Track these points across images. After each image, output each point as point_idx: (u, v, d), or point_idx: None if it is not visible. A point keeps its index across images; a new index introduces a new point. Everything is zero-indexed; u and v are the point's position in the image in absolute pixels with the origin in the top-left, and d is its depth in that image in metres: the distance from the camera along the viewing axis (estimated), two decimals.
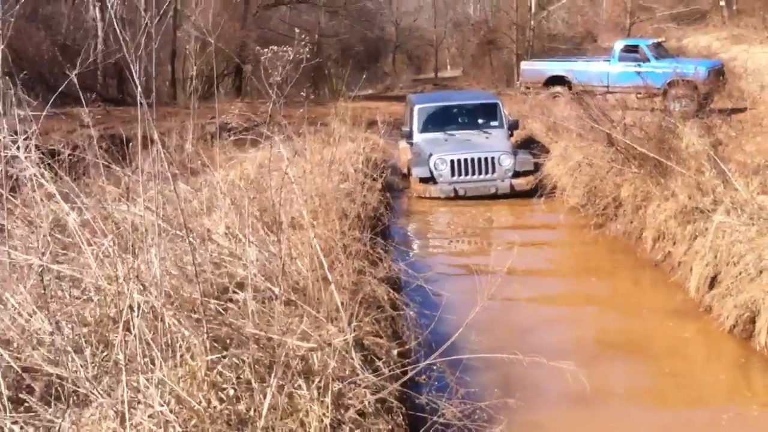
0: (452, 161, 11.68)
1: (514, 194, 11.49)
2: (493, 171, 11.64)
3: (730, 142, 9.32)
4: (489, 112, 13.15)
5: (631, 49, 18.81)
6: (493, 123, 12.93)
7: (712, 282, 6.90)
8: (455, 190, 11.56)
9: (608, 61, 19.12)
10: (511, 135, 13.02)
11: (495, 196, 11.51)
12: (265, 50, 5.97)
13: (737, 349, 6.14)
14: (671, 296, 7.25)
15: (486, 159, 11.66)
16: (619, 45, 19.38)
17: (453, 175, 11.66)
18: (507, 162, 11.65)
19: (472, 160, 11.66)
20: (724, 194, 7.68)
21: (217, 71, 23.73)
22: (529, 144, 13.44)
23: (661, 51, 19.19)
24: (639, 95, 13.44)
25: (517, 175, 11.63)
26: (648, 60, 18.07)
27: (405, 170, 12.92)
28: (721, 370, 5.89)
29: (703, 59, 20.18)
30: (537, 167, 11.71)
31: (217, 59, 22.60)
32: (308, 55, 6.07)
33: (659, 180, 8.67)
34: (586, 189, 10.28)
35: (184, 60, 24.55)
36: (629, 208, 9.20)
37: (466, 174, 11.65)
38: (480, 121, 13.06)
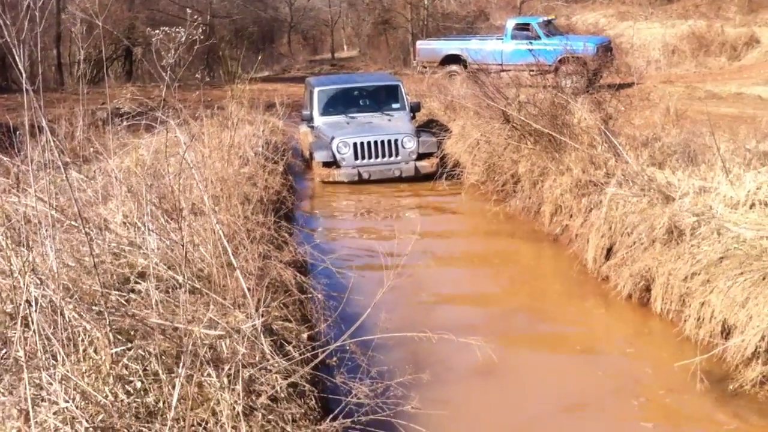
0: (355, 144, 11.55)
1: (418, 176, 11.51)
2: (397, 154, 11.58)
3: (620, 116, 9.60)
4: (390, 94, 13.10)
5: (523, 28, 19.28)
6: (395, 105, 12.88)
7: (608, 252, 7.15)
8: (359, 174, 11.47)
9: (501, 39, 19.52)
10: (414, 117, 13.01)
11: (399, 179, 11.51)
12: (156, 32, 5.79)
13: (636, 317, 6.39)
14: (570, 268, 7.45)
15: (389, 141, 11.59)
16: (510, 23, 19.83)
17: (356, 158, 11.54)
18: (410, 144, 11.60)
19: (375, 142, 11.57)
20: (616, 167, 7.95)
21: (105, 55, 22.91)
22: (430, 124, 13.52)
23: (551, 28, 19.71)
24: (531, 72, 13.73)
25: (420, 157, 11.63)
26: (539, 38, 18.55)
27: (307, 154, 12.73)
28: (625, 342, 6.09)
29: (592, 36, 20.88)
30: (440, 146, 11.82)
31: (105, 42, 21.81)
32: (201, 37, 5.93)
33: (554, 155, 8.89)
34: (485, 166, 10.46)
35: (70, 44, 23.67)
36: (527, 183, 9.41)
37: (370, 157, 11.55)
38: (381, 103, 13.00)
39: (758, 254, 5.58)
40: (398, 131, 11.82)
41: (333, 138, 11.70)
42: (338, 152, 11.57)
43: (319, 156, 11.65)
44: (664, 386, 5.25)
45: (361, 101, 13.22)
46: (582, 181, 8.15)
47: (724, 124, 9.72)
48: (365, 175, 11.48)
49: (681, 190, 6.97)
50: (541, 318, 6.57)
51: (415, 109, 13.05)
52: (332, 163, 11.60)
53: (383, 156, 11.59)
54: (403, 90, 13.06)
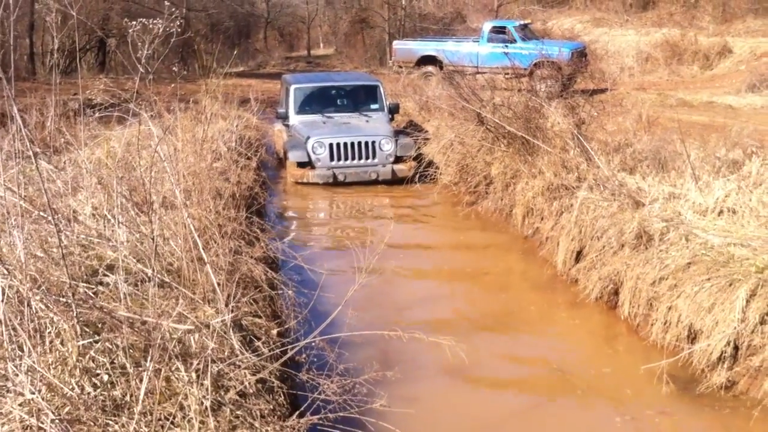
0: (331, 145, 11.25)
1: (395, 179, 11.26)
2: (374, 156, 11.29)
3: (593, 121, 9.65)
4: (369, 94, 12.84)
5: (499, 31, 19.37)
6: (374, 106, 12.63)
7: (578, 256, 7.22)
8: (334, 176, 11.16)
9: (477, 41, 19.60)
10: (392, 118, 12.77)
11: (375, 180, 11.29)
12: (133, 23, 5.73)
13: (604, 320, 6.46)
14: (540, 270, 7.52)
15: (366, 143, 11.30)
16: (487, 26, 19.90)
17: (332, 159, 11.23)
18: (388, 146, 11.32)
19: (352, 144, 11.27)
20: (588, 171, 8.02)
21: (79, 45, 22.71)
22: (408, 126, 13.40)
23: (527, 32, 19.83)
24: (507, 76, 13.80)
25: (398, 159, 11.37)
26: (515, 41, 18.65)
27: (281, 153, 12.43)
28: (591, 344, 6.14)
29: (567, 41, 21.04)
30: (416, 147, 11.70)
31: (78, 32, 21.60)
32: (178, 30, 5.87)
33: (527, 158, 8.95)
34: (459, 167, 10.49)
35: (43, 33, 23.40)
36: (499, 185, 9.45)
37: (346, 159, 11.25)
38: (360, 103, 12.74)
39: (725, 261, 5.66)
40: (376, 133, 11.54)
41: (308, 138, 11.38)
42: (313, 152, 11.25)
43: (294, 156, 11.33)
44: (630, 388, 5.31)
45: (338, 101, 12.94)
46: (554, 184, 8.21)
47: (694, 132, 9.84)
48: (341, 177, 11.17)
49: (651, 195, 7.06)
50: (510, 319, 6.60)
51: (393, 110, 12.74)
52: (307, 164, 11.28)
53: (360, 158, 11.28)
54: (382, 90, 12.80)
